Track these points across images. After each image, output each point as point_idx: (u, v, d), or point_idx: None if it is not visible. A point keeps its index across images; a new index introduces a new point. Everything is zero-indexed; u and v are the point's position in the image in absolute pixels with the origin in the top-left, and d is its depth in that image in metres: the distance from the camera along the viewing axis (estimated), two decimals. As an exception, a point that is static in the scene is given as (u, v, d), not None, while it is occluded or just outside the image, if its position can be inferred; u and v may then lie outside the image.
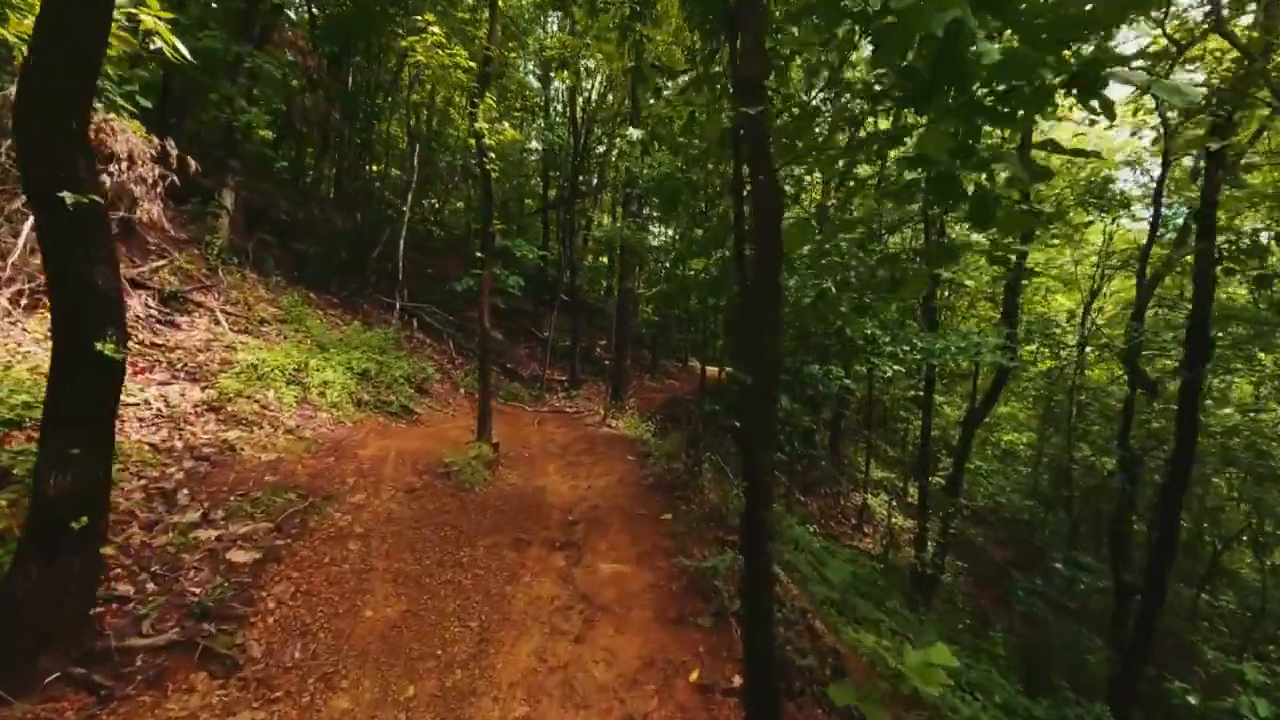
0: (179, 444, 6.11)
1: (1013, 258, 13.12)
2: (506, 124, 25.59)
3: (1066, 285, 24.25)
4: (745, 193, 7.13)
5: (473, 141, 8.89)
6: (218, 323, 9.31)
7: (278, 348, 9.19)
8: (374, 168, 21.26)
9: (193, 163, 9.58)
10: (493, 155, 8.85)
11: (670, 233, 18.91)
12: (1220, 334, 11.76)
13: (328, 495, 5.90)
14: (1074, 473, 13.72)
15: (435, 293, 17.61)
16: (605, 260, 28.93)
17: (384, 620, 4.53)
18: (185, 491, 5.33)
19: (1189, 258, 14.17)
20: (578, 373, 18.11)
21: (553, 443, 11.10)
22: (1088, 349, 16.93)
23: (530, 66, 22.29)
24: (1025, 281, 23.77)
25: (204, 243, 10.98)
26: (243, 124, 10.85)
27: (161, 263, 9.33)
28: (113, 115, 8.07)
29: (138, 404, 6.58)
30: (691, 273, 10.40)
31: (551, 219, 21.69)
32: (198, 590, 4.15)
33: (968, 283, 19.73)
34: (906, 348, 11.82)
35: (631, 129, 9.22)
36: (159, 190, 8.58)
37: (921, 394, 20.54)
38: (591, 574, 5.83)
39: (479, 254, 8.97)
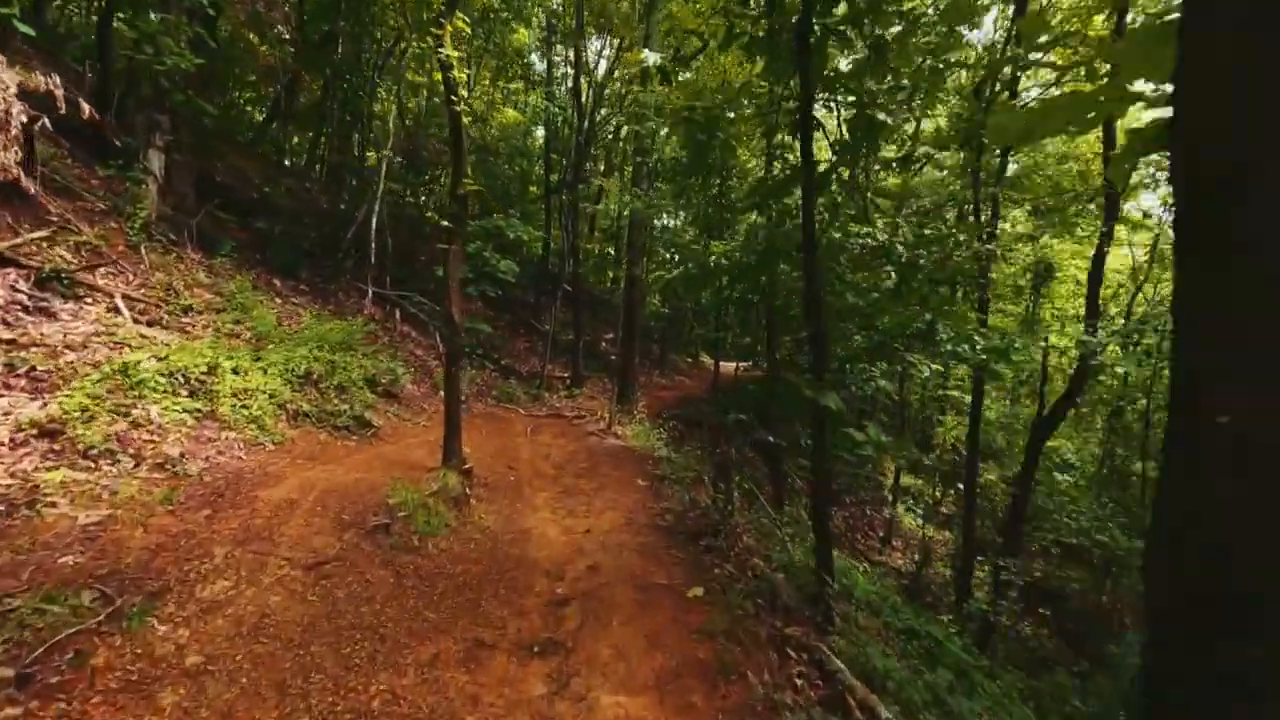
0: (-56, 498, 3.70)
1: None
2: (510, 110, 23.17)
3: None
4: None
5: (439, 76, 6.44)
6: (116, 311, 6.88)
7: (194, 344, 6.77)
8: (367, 149, 18.81)
9: (86, 106, 7.14)
10: (463, 94, 6.39)
11: (682, 219, 16.39)
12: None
13: (160, 589, 3.47)
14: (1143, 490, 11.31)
15: (427, 280, 15.16)
16: (611, 250, 26.44)
17: None
18: (-119, 601, 2.91)
19: None
20: (580, 369, 15.67)
21: (547, 459, 8.67)
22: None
23: (532, 41, 19.76)
24: (1058, 274, 21.26)
25: (126, 214, 8.59)
26: (169, 68, 8.37)
27: (41, 234, 6.89)
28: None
29: (-84, 430, 4.17)
30: (712, 257, 7.93)
31: (555, 205, 19.16)
32: None
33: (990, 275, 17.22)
34: (967, 346, 9.35)
35: (645, 51, 6.71)
36: (15, 134, 6.13)
37: (950, 392, 18.09)
38: (587, 717, 3.41)
39: (444, 222, 6.52)
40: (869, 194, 4.58)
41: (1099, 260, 9.79)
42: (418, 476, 6.18)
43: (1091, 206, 14.00)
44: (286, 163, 20.40)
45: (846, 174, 4.63)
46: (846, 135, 4.64)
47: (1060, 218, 14.86)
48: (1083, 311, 20.63)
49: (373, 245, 11.00)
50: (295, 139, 21.12)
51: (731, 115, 5.82)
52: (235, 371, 6.52)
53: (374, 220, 10.93)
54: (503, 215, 12.87)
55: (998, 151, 12.74)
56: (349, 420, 7.31)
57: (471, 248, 11.55)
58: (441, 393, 10.39)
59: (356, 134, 18.09)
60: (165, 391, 5.60)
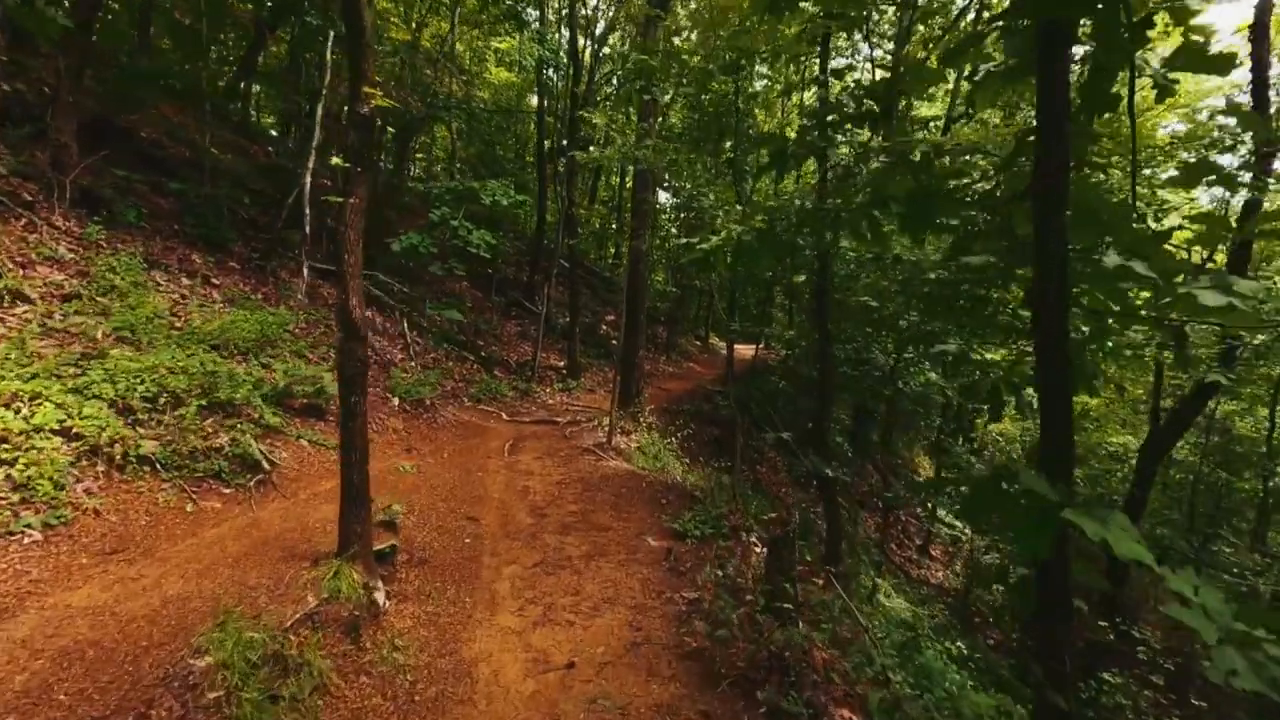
0: None
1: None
2: (503, 70, 20.06)
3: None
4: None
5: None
6: None
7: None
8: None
9: None
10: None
11: (689, 186, 13.53)
12: None
13: None
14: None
15: (396, 256, 12.39)
16: (614, 224, 23.49)
17: None
18: None
19: None
20: (577, 356, 13.02)
21: (525, 498, 6.06)
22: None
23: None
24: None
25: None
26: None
27: None
28: None
29: None
30: (762, 220, 5.15)
31: (550, 175, 16.22)
32: None
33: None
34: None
35: None
36: None
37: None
38: None
39: (336, 159, 3.76)
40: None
41: (1251, 221, 7.00)
42: (292, 579, 3.57)
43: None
44: (274, 130, 17.48)
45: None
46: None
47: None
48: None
49: (307, 213, 8.20)
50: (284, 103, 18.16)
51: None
52: (8, 406, 3.86)
53: (308, 181, 8.10)
54: (480, 181, 10.05)
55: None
56: (225, 462, 4.66)
57: (437, 215, 8.80)
58: (397, 399, 7.75)
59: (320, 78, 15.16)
60: None
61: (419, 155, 19.79)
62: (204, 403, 4.94)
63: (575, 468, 7.04)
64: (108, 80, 10.72)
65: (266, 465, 4.87)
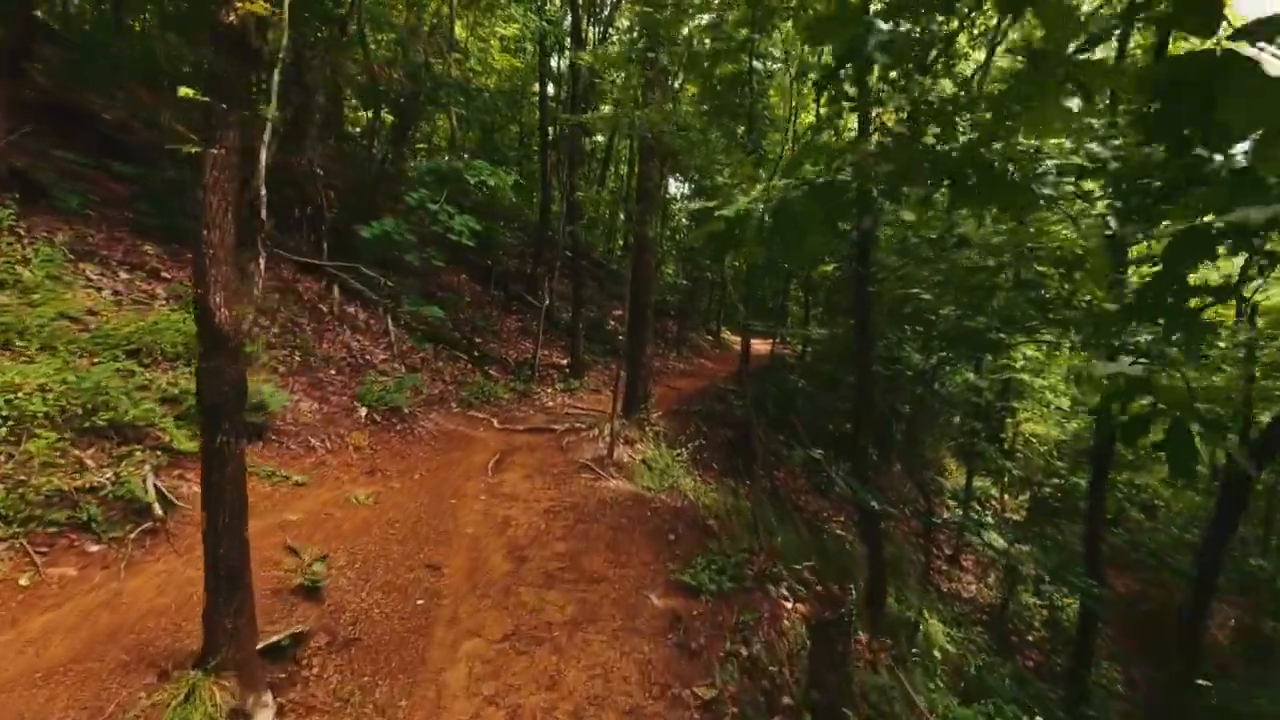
0: None
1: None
2: (506, 54, 18.77)
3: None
4: None
5: None
6: None
7: None
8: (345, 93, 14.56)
9: None
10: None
11: (699, 161, 12.10)
12: None
13: None
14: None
15: (389, 246, 11.16)
16: (621, 215, 22.18)
17: None
18: None
19: None
20: (580, 354, 11.78)
21: (503, 534, 4.84)
22: None
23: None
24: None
25: None
26: None
27: None
28: None
29: None
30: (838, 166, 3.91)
31: (553, 163, 14.90)
32: None
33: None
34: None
35: None
36: None
37: (1019, 376, 14.07)
38: None
39: (186, 90, 2.57)
40: None
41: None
42: (123, 705, 2.38)
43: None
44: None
45: None
46: None
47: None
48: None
49: (262, 194, 7.00)
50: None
51: None
52: None
53: (263, 153, 6.88)
54: (463, 160, 8.78)
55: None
56: (97, 508, 3.47)
57: (414, 199, 7.57)
58: (365, 409, 6.54)
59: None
60: None
61: (420, 144, 18.60)
62: (85, 426, 3.76)
63: (569, 490, 5.81)
64: (87, 66, 9.78)
65: (159, 509, 3.68)
